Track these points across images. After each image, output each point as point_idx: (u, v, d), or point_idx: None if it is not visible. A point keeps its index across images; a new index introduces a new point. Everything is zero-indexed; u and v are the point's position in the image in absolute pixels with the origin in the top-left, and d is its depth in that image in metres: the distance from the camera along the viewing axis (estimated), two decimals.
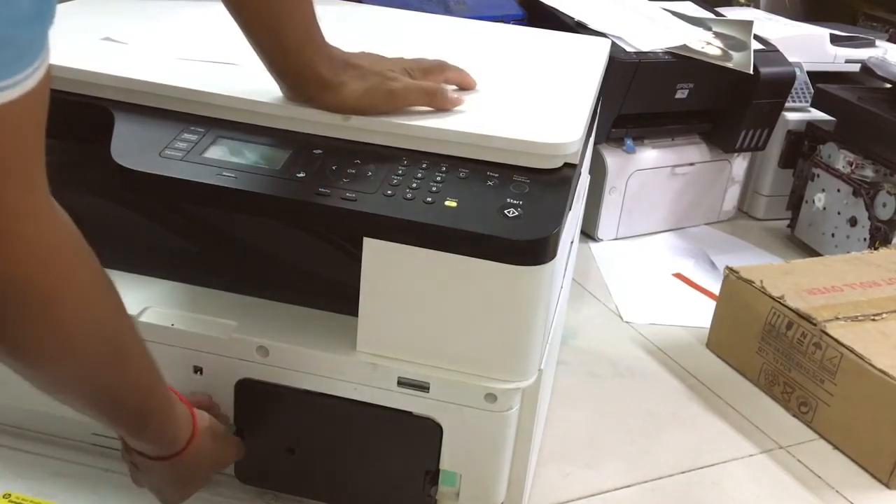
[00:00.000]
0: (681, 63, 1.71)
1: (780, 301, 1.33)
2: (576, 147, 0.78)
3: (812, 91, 1.96)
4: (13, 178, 0.52)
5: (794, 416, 1.31)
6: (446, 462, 0.83)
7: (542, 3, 1.80)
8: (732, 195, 2.01)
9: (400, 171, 0.76)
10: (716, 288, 1.51)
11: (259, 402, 0.84)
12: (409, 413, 0.81)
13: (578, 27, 1.72)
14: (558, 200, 0.75)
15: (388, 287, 0.76)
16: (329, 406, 0.82)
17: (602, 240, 1.85)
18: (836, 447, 1.24)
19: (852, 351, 1.21)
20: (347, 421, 0.83)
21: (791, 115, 1.94)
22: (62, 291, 0.56)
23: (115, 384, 0.65)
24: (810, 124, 1.88)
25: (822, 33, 2.07)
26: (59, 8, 1.03)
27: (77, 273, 0.58)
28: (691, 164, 1.89)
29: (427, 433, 0.81)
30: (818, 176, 1.83)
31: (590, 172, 1.34)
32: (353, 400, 0.81)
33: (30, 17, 0.49)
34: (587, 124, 0.86)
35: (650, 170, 1.83)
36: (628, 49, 1.67)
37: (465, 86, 0.87)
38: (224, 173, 0.75)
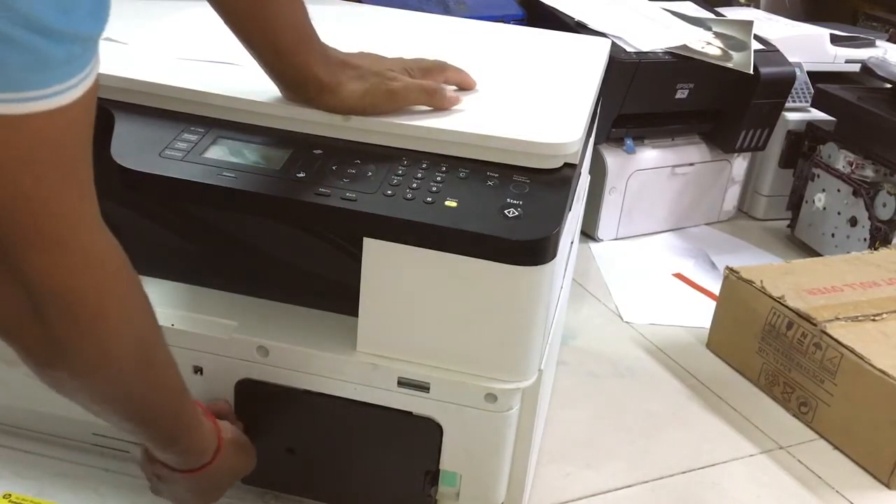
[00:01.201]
0: (681, 63, 1.71)
1: (780, 301, 1.33)
2: (576, 147, 0.78)
3: (812, 91, 1.96)
4: (73, 182, 0.51)
5: (794, 416, 1.31)
6: (446, 462, 0.83)
7: (542, 3, 1.80)
8: (732, 195, 2.00)
9: (400, 171, 0.76)
10: (716, 288, 1.51)
11: (259, 403, 0.84)
12: (409, 413, 0.81)
13: (578, 27, 1.72)
14: (558, 200, 0.75)
15: (388, 287, 0.76)
16: (329, 406, 0.82)
17: (602, 240, 1.85)
18: (836, 447, 1.24)
19: (852, 351, 1.21)
20: (347, 421, 0.83)
21: (791, 115, 1.94)
22: (108, 306, 0.56)
23: (149, 396, 0.65)
24: (810, 124, 1.88)
25: (822, 33, 2.07)
26: None
27: (121, 286, 0.57)
28: (691, 164, 1.89)
29: (427, 433, 0.81)
30: (818, 176, 1.83)
31: (590, 172, 1.34)
32: (353, 400, 0.81)
33: (93, 13, 0.49)
34: (587, 124, 0.85)
35: (650, 170, 1.83)
36: (628, 49, 1.67)
37: (465, 86, 0.87)
38: (224, 173, 0.75)
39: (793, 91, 1.89)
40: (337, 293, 0.81)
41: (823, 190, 1.82)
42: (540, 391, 0.83)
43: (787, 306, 1.31)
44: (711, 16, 1.98)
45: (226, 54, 0.88)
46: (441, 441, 0.82)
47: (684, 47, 1.73)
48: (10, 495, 0.87)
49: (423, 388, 0.79)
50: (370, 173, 0.76)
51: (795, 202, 1.91)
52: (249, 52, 0.78)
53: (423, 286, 0.75)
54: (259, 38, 0.76)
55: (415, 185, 0.75)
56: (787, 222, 1.95)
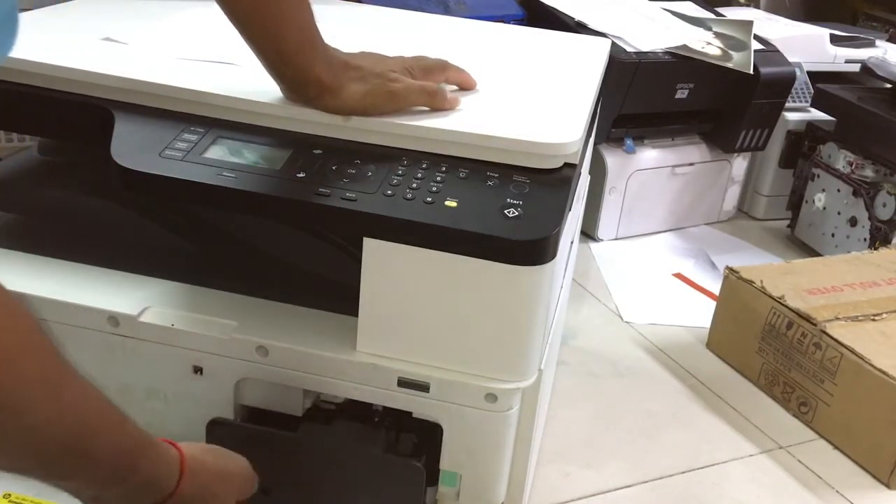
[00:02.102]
0: (681, 63, 1.71)
1: (780, 301, 1.33)
2: (576, 147, 0.78)
3: (812, 91, 1.96)
4: None
5: (794, 416, 1.31)
6: (446, 462, 0.83)
7: (542, 3, 1.80)
8: (732, 195, 2.01)
9: (400, 171, 0.76)
10: (716, 288, 1.51)
11: (230, 444, 0.80)
12: (391, 456, 0.80)
13: (578, 27, 1.72)
14: (558, 200, 0.75)
15: (388, 287, 0.75)
16: (302, 446, 0.80)
17: (602, 240, 1.85)
18: (836, 447, 1.24)
19: (852, 351, 1.21)
20: (323, 461, 0.81)
21: (791, 115, 1.94)
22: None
23: (71, 441, 0.56)
24: (810, 124, 1.88)
25: (822, 33, 2.07)
26: (60, 8, 1.03)
27: (18, 359, 0.50)
28: (691, 164, 1.89)
29: (411, 478, 0.79)
30: (818, 176, 1.83)
31: (590, 172, 1.34)
32: (328, 442, 0.80)
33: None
34: (587, 124, 0.85)
35: (650, 170, 1.83)
36: (628, 49, 1.67)
37: (466, 86, 0.87)
38: (224, 173, 0.75)
39: (793, 91, 1.89)
40: (337, 293, 0.81)
41: (823, 190, 1.82)
42: (540, 391, 0.83)
43: (787, 306, 1.31)
44: (711, 16, 1.98)
45: (226, 54, 0.88)
46: (441, 442, 0.81)
47: (684, 47, 1.73)
48: (9, 495, 0.87)
49: (423, 388, 0.79)
50: (370, 173, 0.76)
51: (795, 202, 1.91)
52: (252, 51, 0.78)
53: (423, 286, 0.75)
54: (263, 37, 0.76)
55: (415, 185, 0.75)
56: (787, 222, 1.95)
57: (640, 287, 1.67)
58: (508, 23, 1.61)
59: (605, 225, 1.84)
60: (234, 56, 0.87)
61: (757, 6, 2.58)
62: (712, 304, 1.48)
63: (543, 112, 0.85)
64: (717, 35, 1.83)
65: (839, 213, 1.78)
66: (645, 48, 1.69)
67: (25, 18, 0.94)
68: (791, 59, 1.86)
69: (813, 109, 1.96)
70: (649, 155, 1.83)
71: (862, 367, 1.19)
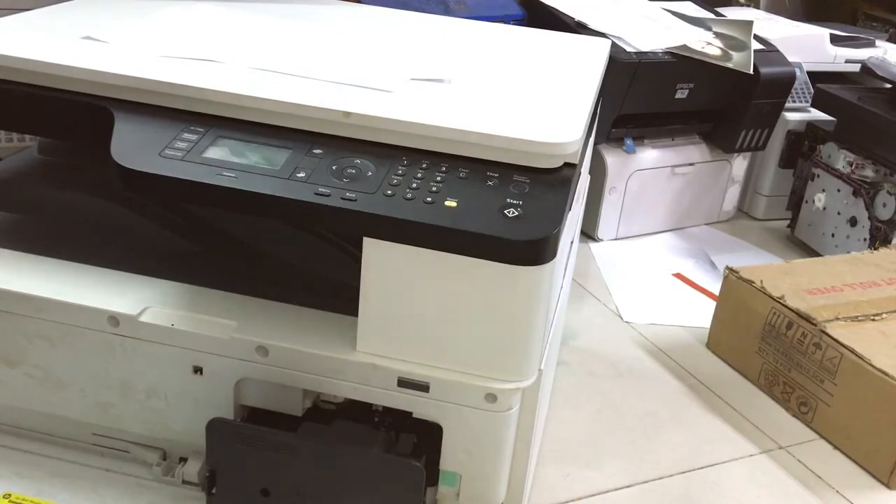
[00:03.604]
0: (681, 63, 1.71)
1: (780, 301, 1.33)
2: (576, 147, 0.78)
3: (812, 91, 1.96)
4: None
5: (794, 416, 1.31)
6: (446, 462, 0.83)
7: (542, 3, 1.80)
8: (732, 195, 2.01)
9: (400, 171, 0.76)
10: (716, 288, 1.51)
11: (231, 443, 0.81)
12: (391, 456, 0.80)
13: (578, 27, 1.72)
14: (558, 200, 0.75)
15: (388, 287, 0.76)
16: (302, 446, 0.80)
17: (602, 240, 1.85)
18: (836, 447, 1.24)
19: (852, 351, 1.21)
20: (323, 462, 0.81)
21: (791, 115, 1.94)
22: None
23: None
24: (810, 124, 1.88)
25: (822, 33, 2.07)
26: (60, 7, 1.03)
27: None
28: (691, 164, 1.89)
29: (411, 478, 0.79)
30: (818, 176, 1.83)
31: (590, 172, 1.34)
32: (328, 442, 0.80)
33: None
34: (587, 124, 0.86)
35: (650, 170, 1.83)
36: (628, 49, 1.67)
37: None
38: (224, 173, 0.75)
39: (793, 91, 1.89)
40: (337, 293, 0.81)
41: (823, 190, 1.82)
42: (540, 391, 0.83)
43: (787, 306, 1.31)
44: (711, 16, 1.98)
45: (225, 53, 0.88)
46: (441, 441, 0.82)
47: (684, 47, 1.73)
48: (10, 495, 0.87)
49: (422, 388, 0.79)
50: (370, 173, 0.76)
51: (795, 202, 1.91)
52: None
53: (423, 286, 0.75)
54: None
55: (415, 184, 0.75)
56: (787, 222, 1.95)
57: (640, 287, 1.67)
58: (508, 23, 1.61)
59: (605, 225, 1.84)
60: (235, 54, 0.87)
61: (757, 6, 2.58)
62: (712, 304, 1.48)
63: (543, 112, 0.85)
64: (717, 35, 1.83)
65: (839, 213, 1.78)
66: (645, 48, 1.69)
67: (26, 18, 0.94)
68: (791, 59, 1.86)
69: (813, 109, 1.96)
70: (649, 155, 1.83)
71: (862, 367, 1.19)
